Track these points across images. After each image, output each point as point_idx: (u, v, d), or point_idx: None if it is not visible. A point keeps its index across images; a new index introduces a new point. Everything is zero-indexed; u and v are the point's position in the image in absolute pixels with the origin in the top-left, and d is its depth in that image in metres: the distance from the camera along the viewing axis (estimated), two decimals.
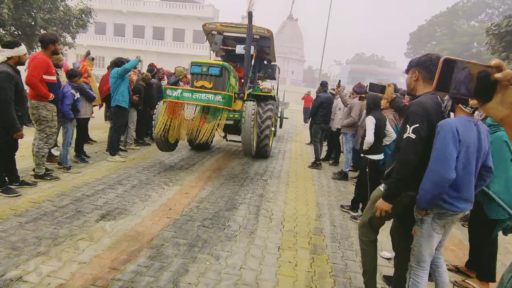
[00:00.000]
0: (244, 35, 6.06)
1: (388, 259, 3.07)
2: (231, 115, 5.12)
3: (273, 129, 6.95)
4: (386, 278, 2.70)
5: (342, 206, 4.45)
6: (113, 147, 5.64)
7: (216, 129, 4.81)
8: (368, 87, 3.00)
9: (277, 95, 10.37)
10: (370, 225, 2.29)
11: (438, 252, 2.24)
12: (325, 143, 8.02)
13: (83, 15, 13.20)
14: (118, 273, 2.42)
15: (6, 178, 3.77)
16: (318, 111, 6.66)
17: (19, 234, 2.82)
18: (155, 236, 3.05)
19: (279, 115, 10.45)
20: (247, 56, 5.61)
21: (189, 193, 4.35)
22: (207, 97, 4.81)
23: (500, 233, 2.70)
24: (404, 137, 1.95)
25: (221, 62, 5.42)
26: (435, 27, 33.55)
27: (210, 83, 5.08)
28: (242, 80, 6.13)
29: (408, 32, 36.58)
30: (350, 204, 4.35)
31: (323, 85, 7.07)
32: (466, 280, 2.81)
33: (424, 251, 2.03)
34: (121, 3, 34.32)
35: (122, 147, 6.22)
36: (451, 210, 1.95)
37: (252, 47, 6.39)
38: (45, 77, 3.90)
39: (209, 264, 2.67)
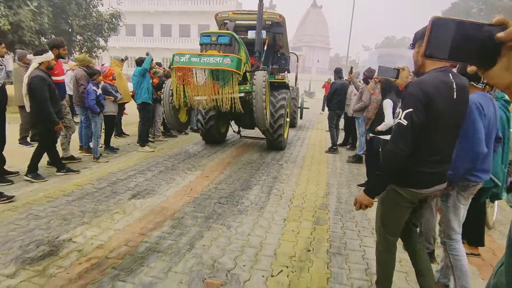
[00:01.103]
0: (255, 22, 6.02)
1: None
2: (242, 87, 4.96)
3: (287, 119, 6.69)
4: None
5: (359, 185, 4.73)
6: (143, 139, 6.25)
7: (233, 101, 4.72)
8: (377, 71, 2.72)
9: (296, 85, 10.51)
10: (385, 230, 1.94)
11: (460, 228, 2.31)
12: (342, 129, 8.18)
13: (113, 19, 14.11)
14: (145, 237, 2.92)
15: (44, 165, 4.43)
16: (333, 97, 6.88)
17: (67, 209, 3.42)
18: (177, 211, 3.54)
19: (299, 106, 10.47)
20: (258, 33, 5.45)
21: (209, 176, 4.82)
22: (215, 60, 4.61)
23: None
24: (394, 122, 1.71)
25: (231, 32, 5.28)
26: (470, 3, 31.50)
27: (220, 52, 4.86)
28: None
29: (440, 10, 34.66)
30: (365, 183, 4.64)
31: (337, 72, 7.23)
32: None
33: (453, 223, 2.14)
34: (148, 4, 35.68)
35: (151, 139, 6.84)
36: (475, 181, 2.09)
37: (264, 32, 6.24)
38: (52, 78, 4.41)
39: (221, 232, 3.11)
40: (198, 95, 4.82)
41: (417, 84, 1.64)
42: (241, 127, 7.27)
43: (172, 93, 5.07)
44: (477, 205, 2.89)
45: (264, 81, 4.83)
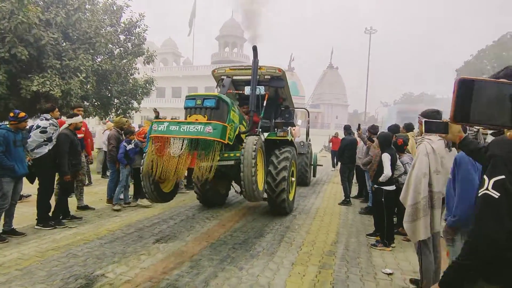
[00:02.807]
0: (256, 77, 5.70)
1: (389, 274, 3.52)
2: (232, 154, 4.46)
3: (293, 179, 6.14)
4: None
5: (368, 235, 4.94)
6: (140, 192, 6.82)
7: (210, 171, 4.09)
8: (424, 127, 2.40)
9: (307, 140, 10.28)
10: None
11: None
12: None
13: (147, 85, 15.87)
14: (166, 275, 3.30)
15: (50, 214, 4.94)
16: (344, 152, 7.36)
17: (100, 250, 3.90)
18: (195, 254, 3.92)
19: (311, 163, 10.04)
20: (252, 90, 5.22)
21: (225, 225, 5.21)
22: (196, 129, 4.12)
23: None
24: (478, 194, 1.29)
25: (217, 94, 4.85)
26: (483, 60, 32.53)
27: (205, 117, 4.43)
28: (258, 125, 5.85)
29: (454, 68, 35.85)
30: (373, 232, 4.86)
31: (346, 128, 7.81)
32: None
33: None
34: (177, 70, 39.45)
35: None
36: None
37: (262, 87, 6.04)
38: None
39: (234, 272, 3.43)
40: (168, 168, 4.12)
41: (505, 144, 1.28)
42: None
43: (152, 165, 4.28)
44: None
45: (255, 146, 4.28)
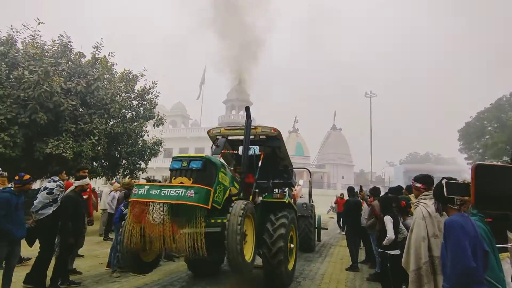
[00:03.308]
0: (251, 137, 5.50)
1: None
2: (219, 220, 4.03)
3: (292, 245, 5.59)
4: None
5: None
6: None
7: (196, 241, 3.74)
8: (446, 190, 2.39)
9: (310, 202, 9.72)
10: None
11: None
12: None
13: (155, 146, 16.45)
14: None
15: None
16: (349, 215, 7.30)
17: None
18: None
19: (315, 226, 9.54)
20: (244, 150, 4.97)
21: None
22: (177, 193, 3.82)
23: None
24: None
25: (204, 155, 4.55)
26: (483, 122, 33.34)
27: (190, 179, 4.13)
28: (254, 188, 5.53)
29: (455, 129, 36.68)
30: None
31: (350, 190, 7.85)
32: None
33: None
34: (185, 131, 40.95)
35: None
36: None
37: (257, 147, 6.00)
38: None
39: None
40: (150, 236, 3.85)
41: None
42: None
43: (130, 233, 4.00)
44: None
45: (242, 211, 3.89)
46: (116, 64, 14.30)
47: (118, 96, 13.14)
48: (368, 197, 6.69)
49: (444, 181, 2.43)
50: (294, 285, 5.55)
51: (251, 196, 5.31)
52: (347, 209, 7.37)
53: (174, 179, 4.27)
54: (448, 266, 2.29)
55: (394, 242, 4.49)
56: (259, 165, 5.83)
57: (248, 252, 4.23)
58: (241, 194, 4.84)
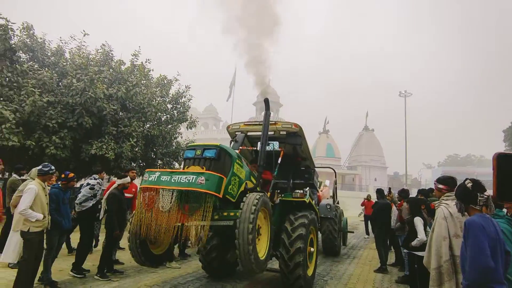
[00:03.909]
0: (270, 133, 5.45)
1: None
2: (232, 213, 3.84)
3: (312, 249, 5.34)
4: None
5: None
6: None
7: (203, 229, 3.60)
8: (472, 186, 2.53)
9: (335, 203, 9.22)
10: None
11: None
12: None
13: None
14: None
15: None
16: (378, 217, 7.29)
17: None
18: None
19: (341, 229, 9.08)
20: (262, 144, 4.75)
21: (256, 286, 5.29)
22: (187, 179, 3.62)
23: None
24: None
25: (219, 144, 4.32)
26: None
27: (203, 168, 3.92)
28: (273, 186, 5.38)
29: (500, 129, 34.29)
30: None
31: (379, 192, 7.81)
32: None
33: None
34: (217, 133, 41.99)
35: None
36: None
37: (276, 143, 5.78)
38: None
39: None
40: (158, 225, 3.67)
41: None
42: None
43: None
44: None
45: (255, 207, 3.63)
46: (153, 70, 15.14)
47: (154, 100, 13.94)
48: (397, 199, 6.66)
49: (467, 182, 2.55)
50: (321, 284, 5.70)
51: (269, 193, 5.08)
52: (376, 210, 7.37)
53: (187, 168, 4.08)
54: (467, 265, 2.38)
55: (423, 244, 4.51)
56: (278, 162, 5.60)
57: (262, 248, 4.00)
58: (258, 189, 4.57)
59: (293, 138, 5.76)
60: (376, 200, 7.93)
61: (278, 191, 5.51)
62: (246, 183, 4.51)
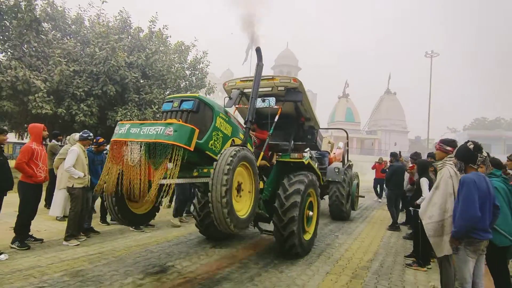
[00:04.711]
0: (267, 89, 5.16)
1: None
2: (205, 170, 3.70)
3: (310, 213, 5.09)
4: None
5: (406, 256, 5.16)
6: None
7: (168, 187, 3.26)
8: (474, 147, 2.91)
9: (346, 164, 9.01)
10: None
11: (480, 282, 2.91)
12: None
13: None
14: (220, 271, 4.07)
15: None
16: (392, 179, 7.56)
17: (170, 249, 4.84)
18: (244, 258, 4.64)
19: (350, 193, 8.46)
20: (252, 97, 4.34)
21: (271, 238, 5.85)
22: (156, 131, 3.31)
23: None
24: None
25: (198, 95, 3.96)
26: None
27: (179, 121, 3.58)
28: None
29: None
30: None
31: (394, 155, 8.03)
32: None
33: (464, 273, 2.75)
34: None
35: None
36: (477, 238, 2.76)
37: (273, 98, 5.21)
38: None
39: (275, 274, 4.07)
40: (129, 180, 3.42)
41: None
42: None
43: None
44: (503, 266, 3.32)
45: (231, 158, 3.27)
46: (170, 36, 15.24)
47: (173, 67, 14.21)
48: (410, 162, 6.86)
49: (469, 144, 2.92)
50: (332, 238, 6.20)
51: (261, 155, 4.68)
52: (391, 173, 7.62)
53: (165, 121, 3.65)
54: (457, 214, 2.70)
55: None
56: (275, 120, 5.14)
57: (244, 207, 3.69)
58: (247, 146, 4.09)
59: (293, 94, 5.25)
60: (390, 163, 8.16)
61: (280, 154, 5.31)
62: (233, 140, 4.21)
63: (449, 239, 2.90)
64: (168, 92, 14.74)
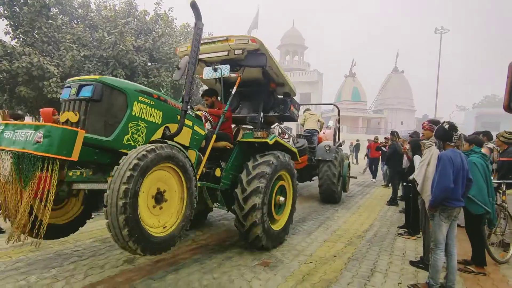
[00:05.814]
0: (223, 53, 4.40)
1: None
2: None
3: (281, 198, 4.41)
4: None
5: (399, 227, 5.62)
6: None
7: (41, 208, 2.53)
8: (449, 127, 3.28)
9: (337, 142, 8.47)
10: None
11: (452, 243, 3.29)
12: None
13: None
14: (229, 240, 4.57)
15: None
16: (392, 157, 7.93)
17: None
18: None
19: (341, 173, 7.98)
20: (189, 69, 3.24)
21: None
22: (26, 136, 2.56)
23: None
24: None
25: (99, 77, 2.92)
26: None
27: (76, 115, 2.79)
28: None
29: None
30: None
31: (393, 134, 8.35)
32: (467, 266, 3.81)
33: (438, 236, 3.19)
34: None
35: None
36: (450, 206, 3.17)
37: (227, 66, 4.38)
38: None
39: None
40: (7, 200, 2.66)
41: None
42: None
43: None
44: (478, 231, 3.77)
45: (133, 165, 2.43)
46: (176, 19, 15.35)
47: None
48: (404, 142, 7.19)
49: (445, 124, 3.31)
50: (332, 212, 6.68)
51: (214, 136, 3.95)
52: (391, 151, 7.99)
53: (62, 114, 2.91)
54: (435, 186, 3.11)
55: None
56: (232, 92, 4.39)
57: (171, 219, 2.89)
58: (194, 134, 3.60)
59: (255, 58, 4.37)
60: (392, 141, 8.50)
61: (249, 130, 4.66)
62: (166, 127, 3.34)
63: (427, 208, 3.32)
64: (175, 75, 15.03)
